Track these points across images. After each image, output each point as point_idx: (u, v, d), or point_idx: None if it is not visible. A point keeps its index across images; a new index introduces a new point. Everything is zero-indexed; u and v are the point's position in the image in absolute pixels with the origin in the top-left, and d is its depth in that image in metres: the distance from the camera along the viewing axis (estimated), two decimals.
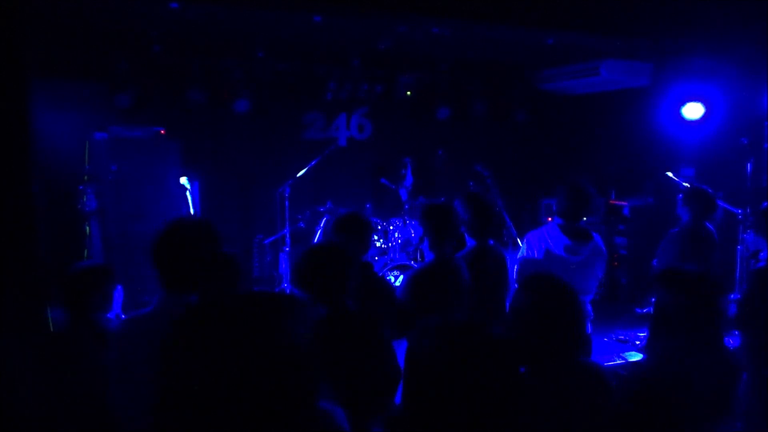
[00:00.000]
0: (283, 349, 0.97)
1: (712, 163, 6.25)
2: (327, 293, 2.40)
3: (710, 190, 4.32)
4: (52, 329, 2.99)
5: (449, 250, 3.34)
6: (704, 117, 6.27)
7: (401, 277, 5.28)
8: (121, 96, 5.88)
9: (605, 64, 6.37)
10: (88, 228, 5.14)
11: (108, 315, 2.97)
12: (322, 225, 6.41)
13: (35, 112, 3.00)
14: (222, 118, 6.58)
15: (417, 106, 7.58)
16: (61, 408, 2.58)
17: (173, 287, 2.01)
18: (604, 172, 7.60)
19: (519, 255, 3.74)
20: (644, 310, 5.54)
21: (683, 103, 6.33)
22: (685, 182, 5.79)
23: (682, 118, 6.37)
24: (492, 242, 3.65)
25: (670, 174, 5.97)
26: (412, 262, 6.22)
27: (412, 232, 6.42)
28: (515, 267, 3.74)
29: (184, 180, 5.76)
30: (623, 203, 7.26)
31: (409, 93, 7.47)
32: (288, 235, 6.30)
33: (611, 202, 7.37)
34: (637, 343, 5.59)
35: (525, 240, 3.79)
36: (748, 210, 5.54)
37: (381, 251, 6.40)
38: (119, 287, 3.17)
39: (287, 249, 6.31)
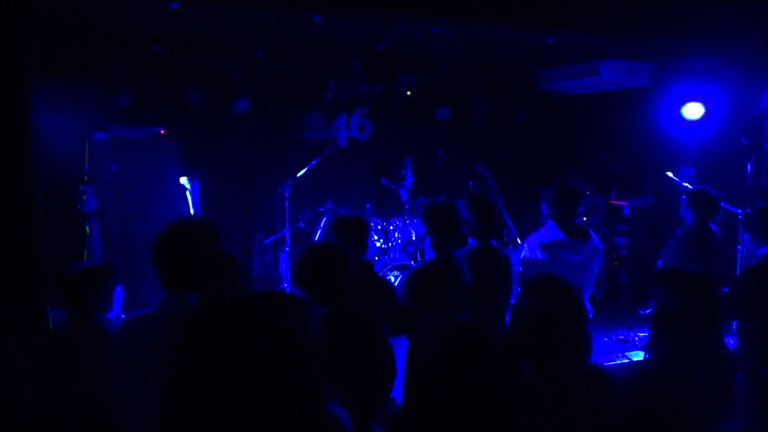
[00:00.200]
0: (293, 349, 0.97)
1: (712, 163, 6.25)
2: (327, 293, 2.40)
3: (714, 192, 4.33)
4: (52, 329, 2.99)
5: (450, 249, 3.34)
6: (704, 117, 6.27)
7: (401, 277, 5.28)
8: (121, 96, 5.88)
9: (605, 64, 6.38)
10: (88, 228, 5.13)
11: (108, 315, 2.97)
12: (322, 225, 6.41)
13: (35, 112, 3.00)
14: (222, 118, 6.58)
15: (417, 106, 7.59)
16: (61, 408, 2.58)
17: (174, 287, 2.01)
18: (604, 172, 7.60)
19: (521, 257, 3.74)
20: (647, 311, 5.53)
21: (683, 103, 6.33)
22: (685, 182, 5.79)
23: (682, 118, 6.37)
24: (494, 242, 3.65)
25: (670, 174, 5.97)
26: (412, 262, 6.22)
27: (413, 232, 6.42)
28: (518, 269, 3.73)
29: (184, 180, 5.76)
30: (623, 203, 7.26)
31: (409, 93, 7.47)
32: (288, 235, 6.30)
33: (611, 202, 7.37)
34: (637, 342, 5.60)
35: (525, 243, 3.79)
36: (748, 210, 5.54)
37: (381, 251, 6.41)
38: (119, 287, 3.18)
39: (287, 249, 6.31)
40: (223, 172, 6.64)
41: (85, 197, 5.04)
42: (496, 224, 3.84)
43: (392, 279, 5.88)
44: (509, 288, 3.63)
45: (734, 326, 3.89)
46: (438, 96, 7.42)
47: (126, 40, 5.74)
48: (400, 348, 2.92)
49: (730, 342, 3.33)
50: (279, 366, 0.94)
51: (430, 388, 1.31)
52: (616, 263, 7.26)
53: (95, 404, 2.37)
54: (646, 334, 5.43)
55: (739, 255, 5.62)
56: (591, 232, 3.79)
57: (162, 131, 5.72)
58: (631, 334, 5.81)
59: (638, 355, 5.16)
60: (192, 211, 5.77)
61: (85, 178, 5.29)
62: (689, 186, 5.58)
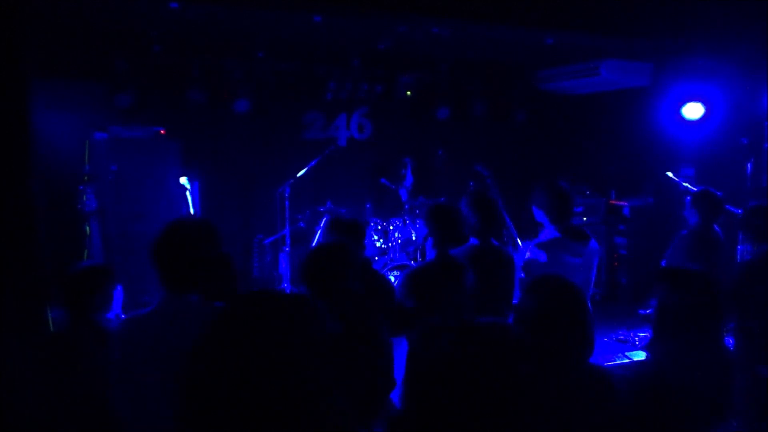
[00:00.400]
0: (310, 351, 0.97)
1: (712, 163, 6.25)
2: (330, 292, 2.41)
3: (718, 193, 4.34)
4: (52, 329, 2.99)
5: (452, 249, 3.34)
6: (704, 117, 6.27)
7: (400, 275, 5.29)
8: (121, 96, 5.87)
9: (605, 64, 6.38)
10: (88, 228, 5.13)
11: (108, 315, 2.97)
12: (322, 225, 6.41)
13: (35, 112, 3.00)
14: (222, 118, 6.58)
15: (417, 106, 7.58)
16: (61, 408, 2.58)
17: (173, 287, 2.01)
18: (604, 172, 7.60)
19: (523, 263, 3.73)
20: (647, 311, 5.54)
21: (683, 103, 6.33)
22: (685, 182, 5.79)
23: (682, 118, 6.37)
24: (496, 243, 3.65)
25: (670, 174, 5.97)
26: (412, 262, 6.22)
27: (412, 232, 6.42)
28: (519, 274, 3.72)
29: (184, 180, 5.76)
30: (623, 203, 7.26)
31: (409, 93, 7.47)
32: (288, 235, 6.30)
33: (611, 202, 7.37)
34: (637, 342, 5.60)
35: (526, 249, 3.78)
36: (743, 210, 5.54)
37: (381, 251, 6.41)
38: (119, 287, 3.17)
39: (287, 249, 6.31)
40: (223, 172, 6.64)
41: (85, 197, 5.04)
42: (497, 224, 3.83)
43: (392, 279, 5.88)
44: (511, 288, 3.62)
45: (731, 325, 3.90)
46: (438, 96, 7.42)
47: (126, 40, 5.74)
48: (400, 347, 2.92)
49: (728, 341, 3.33)
50: (298, 368, 0.94)
51: (437, 389, 1.29)
52: (616, 263, 7.26)
53: (95, 404, 2.37)
54: (647, 334, 5.44)
55: (739, 255, 5.62)
56: (589, 233, 3.78)
57: (162, 131, 5.72)
58: (631, 334, 5.81)
59: (639, 355, 5.16)
60: (192, 211, 5.77)
61: (85, 178, 5.29)
62: (689, 186, 5.58)
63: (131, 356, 1.94)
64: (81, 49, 5.62)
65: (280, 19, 5.12)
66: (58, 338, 2.79)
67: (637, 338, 5.67)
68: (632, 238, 7.15)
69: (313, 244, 6.04)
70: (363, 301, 2.61)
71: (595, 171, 7.62)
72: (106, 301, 2.88)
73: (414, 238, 6.44)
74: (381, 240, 6.43)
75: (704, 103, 6.24)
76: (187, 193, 5.77)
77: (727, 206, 5.31)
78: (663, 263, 4.45)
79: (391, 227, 6.42)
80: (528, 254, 3.72)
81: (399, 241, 6.37)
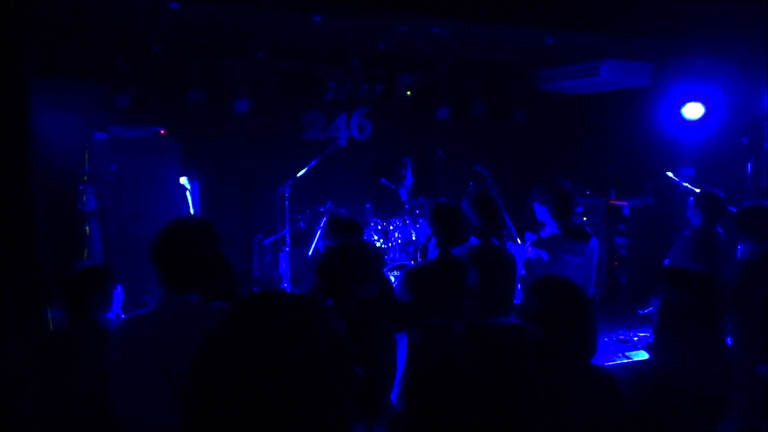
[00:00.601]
0: (316, 350, 0.97)
1: (712, 163, 6.25)
2: (348, 295, 2.41)
3: (721, 193, 4.35)
4: (52, 329, 2.99)
5: (453, 249, 3.35)
6: (704, 117, 6.27)
7: (400, 274, 5.30)
8: (121, 96, 5.88)
9: (605, 64, 6.38)
10: (88, 228, 5.13)
11: (108, 315, 2.97)
12: (322, 225, 6.41)
13: (35, 112, 3.00)
14: (222, 118, 6.58)
15: (417, 106, 7.58)
16: (61, 408, 2.58)
17: (173, 287, 2.01)
18: (604, 172, 7.60)
19: (524, 260, 3.73)
20: (646, 311, 5.54)
21: (683, 103, 6.33)
22: (685, 182, 5.79)
23: (682, 118, 6.37)
24: (497, 242, 3.65)
25: (670, 174, 5.97)
26: (412, 262, 6.22)
27: (413, 232, 6.42)
28: (520, 271, 3.72)
29: (184, 180, 5.76)
30: (623, 203, 7.26)
31: (409, 93, 7.47)
32: (288, 235, 6.30)
33: (611, 202, 7.37)
34: (637, 342, 5.59)
35: (527, 246, 3.78)
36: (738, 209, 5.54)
37: (381, 251, 6.41)
38: (119, 287, 3.17)
39: (287, 249, 6.31)
40: (223, 172, 6.64)
41: (85, 197, 5.05)
42: (498, 223, 3.83)
43: (392, 279, 5.88)
44: (512, 287, 3.62)
45: (729, 325, 3.91)
46: (438, 96, 7.42)
47: (126, 40, 5.74)
48: (400, 347, 2.92)
49: (728, 341, 3.33)
50: (302, 368, 0.94)
51: (449, 390, 1.28)
52: (616, 263, 7.26)
53: (95, 404, 2.38)
54: (646, 333, 5.45)
55: (739, 255, 5.62)
56: (590, 231, 3.79)
57: (162, 131, 5.71)
58: (631, 334, 5.81)
59: (639, 355, 5.17)
60: (192, 211, 5.77)
61: (85, 178, 5.29)
62: (689, 186, 5.58)
63: (131, 356, 1.94)
64: (81, 49, 5.62)
65: (280, 19, 5.12)
66: (58, 338, 2.79)
67: (636, 338, 5.67)
68: (632, 238, 7.15)
69: (316, 243, 6.05)
70: (374, 303, 2.60)
71: (595, 171, 7.61)
72: (106, 301, 2.88)
73: (414, 238, 6.44)
74: (381, 240, 6.43)
75: (704, 103, 6.24)
76: (187, 193, 5.77)
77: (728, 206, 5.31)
78: (666, 262, 4.46)
79: (391, 227, 6.42)
80: (529, 252, 3.72)
81: (399, 241, 6.37)
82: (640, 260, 6.91)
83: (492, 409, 1.25)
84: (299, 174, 6.26)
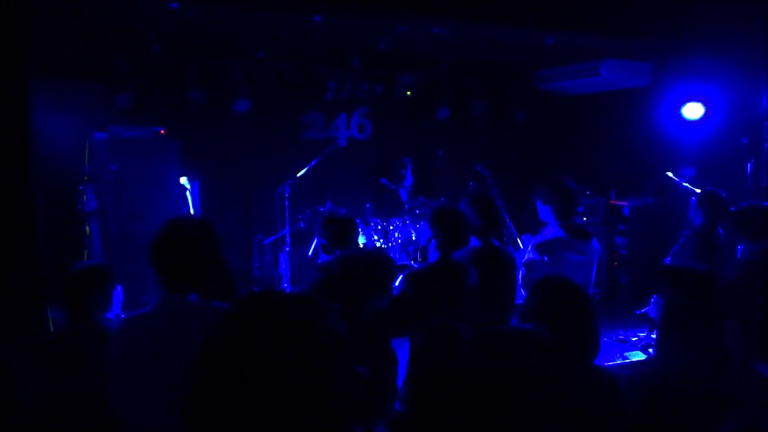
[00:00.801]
0: (317, 350, 0.97)
1: (712, 163, 6.25)
2: (360, 306, 2.40)
3: (724, 194, 4.34)
4: (52, 329, 2.99)
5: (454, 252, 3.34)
6: (704, 117, 6.27)
7: (400, 277, 5.30)
8: (121, 96, 5.87)
9: (605, 64, 6.38)
10: (88, 228, 5.13)
11: (108, 315, 2.97)
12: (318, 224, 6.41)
13: (35, 112, 3.01)
14: (222, 118, 6.58)
15: (417, 106, 7.59)
16: (61, 408, 2.58)
17: (172, 286, 2.01)
18: (604, 172, 7.60)
19: (525, 259, 3.73)
20: (642, 311, 5.54)
21: (683, 103, 6.33)
22: (685, 182, 5.79)
23: (682, 118, 6.37)
24: (497, 243, 3.65)
25: (670, 174, 5.97)
26: (412, 262, 6.22)
27: (413, 232, 6.42)
28: (521, 271, 3.72)
29: (184, 180, 5.76)
30: (623, 203, 7.26)
31: (409, 93, 7.47)
32: (288, 235, 6.30)
33: (611, 202, 7.37)
34: (634, 340, 5.59)
35: (528, 245, 3.78)
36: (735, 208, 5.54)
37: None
38: (119, 287, 3.17)
39: (287, 249, 6.31)
40: (223, 172, 6.64)
41: (85, 197, 5.04)
42: (498, 223, 3.82)
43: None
44: (513, 289, 3.62)
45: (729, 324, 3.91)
46: (438, 96, 7.42)
47: (126, 40, 5.74)
48: (402, 348, 2.92)
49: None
50: (303, 368, 0.94)
51: (455, 392, 1.28)
52: (616, 263, 7.26)
53: (95, 404, 2.37)
54: (645, 333, 5.43)
55: (739, 254, 5.62)
56: (591, 231, 3.78)
57: (162, 131, 5.72)
58: (630, 335, 5.81)
59: (636, 355, 5.17)
60: (192, 211, 5.77)
61: (85, 178, 5.29)
62: (689, 186, 5.58)
63: (130, 356, 1.94)
64: (81, 49, 5.62)
65: (280, 19, 5.12)
66: (58, 338, 2.79)
67: (636, 338, 5.66)
68: (632, 238, 7.15)
69: (316, 244, 6.04)
70: (384, 314, 2.60)
71: (595, 171, 7.61)
72: (106, 301, 2.88)
73: (414, 239, 6.44)
74: (381, 240, 6.43)
75: (704, 103, 6.24)
76: (187, 193, 5.77)
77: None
78: (666, 260, 4.46)
79: (391, 227, 6.42)
80: (530, 251, 3.72)
81: (399, 241, 6.37)
82: (640, 260, 6.91)
83: (494, 411, 1.25)
84: (299, 174, 6.26)
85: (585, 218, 7.10)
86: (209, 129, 6.56)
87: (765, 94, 5.78)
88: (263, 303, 1.01)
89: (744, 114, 6.00)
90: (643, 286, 6.35)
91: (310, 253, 6.21)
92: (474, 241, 3.58)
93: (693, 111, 6.30)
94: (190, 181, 5.83)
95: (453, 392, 1.28)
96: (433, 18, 4.86)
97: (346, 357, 1.00)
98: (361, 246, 6.00)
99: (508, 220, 6.23)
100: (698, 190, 4.84)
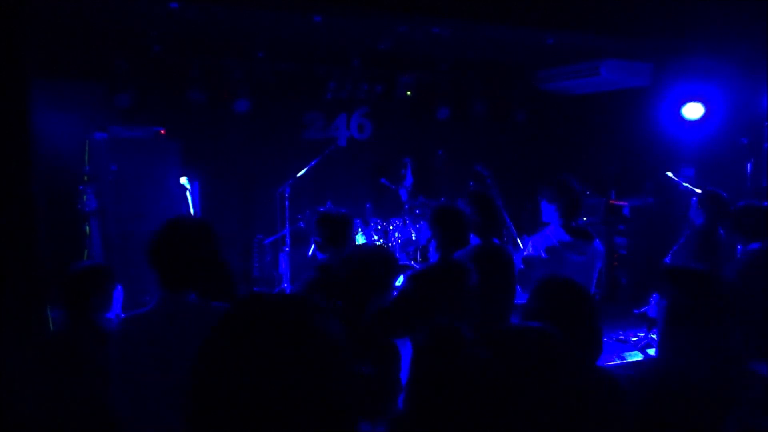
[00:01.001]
0: (316, 351, 0.97)
1: (712, 163, 6.25)
2: (363, 307, 2.40)
3: (725, 194, 4.34)
4: (52, 329, 2.99)
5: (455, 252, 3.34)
6: (704, 117, 6.27)
7: (401, 277, 5.31)
8: (121, 96, 5.87)
9: (605, 64, 6.38)
10: (88, 228, 5.13)
11: (108, 315, 2.97)
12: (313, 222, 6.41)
13: (35, 112, 3.01)
14: (222, 118, 6.58)
15: (417, 106, 7.59)
16: (61, 408, 2.58)
17: (171, 286, 2.01)
18: (604, 172, 7.60)
19: (524, 255, 3.72)
20: (641, 310, 5.54)
21: (683, 103, 6.33)
22: (685, 182, 5.79)
23: (682, 118, 6.37)
24: (497, 241, 3.64)
25: (670, 174, 5.97)
26: (412, 262, 6.22)
27: (413, 232, 6.42)
28: (520, 267, 3.72)
29: (184, 180, 5.76)
30: (623, 203, 7.26)
31: (409, 93, 7.47)
32: (288, 235, 6.30)
33: (611, 202, 7.37)
34: (634, 340, 5.59)
35: (529, 242, 3.77)
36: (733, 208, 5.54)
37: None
38: (119, 287, 3.17)
39: (287, 249, 6.31)
40: (223, 172, 6.64)
41: (85, 197, 5.04)
42: (498, 222, 3.81)
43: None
44: (513, 287, 3.61)
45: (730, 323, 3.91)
46: (438, 96, 7.42)
47: (126, 40, 5.74)
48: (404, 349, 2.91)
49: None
50: (303, 370, 0.94)
51: (460, 392, 1.28)
52: (616, 263, 7.26)
53: (95, 404, 2.37)
54: (644, 333, 5.42)
55: (739, 254, 5.62)
56: (593, 233, 3.78)
57: (162, 131, 5.72)
58: (629, 335, 5.80)
59: (635, 356, 5.17)
60: (192, 211, 5.77)
61: (85, 178, 5.29)
62: (689, 186, 5.58)
63: (130, 356, 1.94)
64: (81, 49, 5.62)
65: (280, 19, 5.12)
66: (58, 338, 2.79)
67: (635, 338, 5.66)
68: (632, 238, 7.14)
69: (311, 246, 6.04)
70: (385, 313, 2.59)
71: (595, 171, 7.61)
72: (106, 301, 2.88)
73: (414, 238, 6.44)
74: (381, 240, 6.43)
75: (704, 103, 6.24)
76: (187, 193, 5.77)
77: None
78: (666, 259, 4.46)
79: (391, 227, 6.42)
80: (530, 248, 3.71)
81: (399, 241, 6.37)
82: (640, 260, 6.91)
83: (497, 412, 1.25)
84: (299, 174, 6.26)
85: (585, 218, 7.10)
86: (209, 129, 6.56)
87: (765, 94, 5.78)
88: (261, 303, 1.01)
89: (744, 114, 6.01)
90: (642, 286, 6.35)
91: (310, 253, 6.21)
92: (474, 240, 3.57)
93: (693, 111, 6.30)
94: (190, 181, 5.83)
95: (454, 392, 1.28)
96: (433, 18, 4.87)
97: (345, 357, 1.00)
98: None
99: (508, 220, 6.23)
100: (698, 190, 4.84)
